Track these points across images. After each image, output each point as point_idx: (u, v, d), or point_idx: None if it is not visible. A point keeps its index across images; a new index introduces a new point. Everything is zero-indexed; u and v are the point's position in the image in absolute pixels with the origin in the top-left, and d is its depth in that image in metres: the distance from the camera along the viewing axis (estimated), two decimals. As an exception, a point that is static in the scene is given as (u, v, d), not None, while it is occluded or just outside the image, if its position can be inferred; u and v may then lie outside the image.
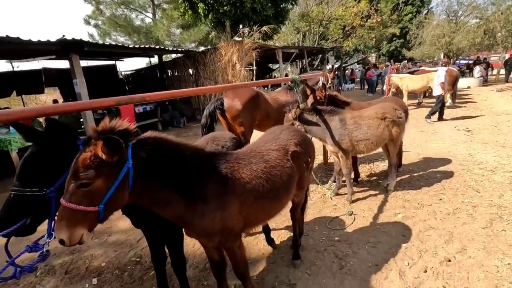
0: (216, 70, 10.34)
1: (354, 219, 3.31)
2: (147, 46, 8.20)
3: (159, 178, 1.51)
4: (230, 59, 9.76)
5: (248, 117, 3.97)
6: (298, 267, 2.57)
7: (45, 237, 1.43)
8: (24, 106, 9.62)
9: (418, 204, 3.54)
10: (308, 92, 4.00)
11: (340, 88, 18.61)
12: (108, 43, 6.96)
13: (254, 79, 11.88)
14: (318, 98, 3.92)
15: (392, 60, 19.62)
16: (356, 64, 31.93)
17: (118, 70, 13.14)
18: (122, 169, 1.37)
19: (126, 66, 19.84)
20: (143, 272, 2.71)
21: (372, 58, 36.12)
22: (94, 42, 6.72)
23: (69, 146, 1.50)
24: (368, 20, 21.10)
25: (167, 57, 12.39)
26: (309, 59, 21.61)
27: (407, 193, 3.88)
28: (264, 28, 10.01)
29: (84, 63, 11.87)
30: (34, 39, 5.68)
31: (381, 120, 3.62)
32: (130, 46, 7.49)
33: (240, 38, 9.65)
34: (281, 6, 14.15)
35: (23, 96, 10.82)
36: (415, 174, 4.51)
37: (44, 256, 1.39)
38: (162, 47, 8.73)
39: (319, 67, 21.01)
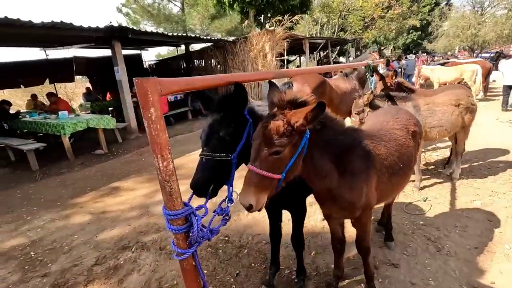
0: (245, 59, 10.30)
1: (431, 206, 3.32)
2: (185, 35, 8.19)
3: (322, 150, 1.55)
4: (262, 49, 9.70)
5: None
6: (392, 249, 2.61)
7: (226, 202, 1.48)
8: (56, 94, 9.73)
9: (492, 192, 3.52)
10: (377, 78, 3.98)
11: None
12: (150, 31, 6.98)
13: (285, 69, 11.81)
14: (388, 84, 3.90)
15: (420, 52, 19.19)
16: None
17: (143, 59, 13.20)
18: (303, 138, 1.41)
19: (148, 56, 19.90)
20: (236, 250, 2.78)
21: (387, 51, 35.54)
22: (138, 29, 6.75)
23: (242, 114, 1.55)
24: (389, 11, 20.70)
25: (192, 47, 12.37)
26: (326, 52, 21.39)
27: (473, 181, 3.87)
28: (296, 17, 9.89)
29: (108, 52, 11.98)
30: (85, 25, 5.74)
31: (455, 106, 3.59)
32: (169, 34, 7.49)
33: (272, 27, 9.57)
34: (306, -5, 13.97)
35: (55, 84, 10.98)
36: (475, 164, 4.48)
37: (226, 220, 1.43)
38: (198, 36, 8.71)
39: (335, 60, 20.79)
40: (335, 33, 21.61)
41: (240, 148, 1.49)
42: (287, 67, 22.17)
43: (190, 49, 11.91)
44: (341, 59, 23.62)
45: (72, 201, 4.12)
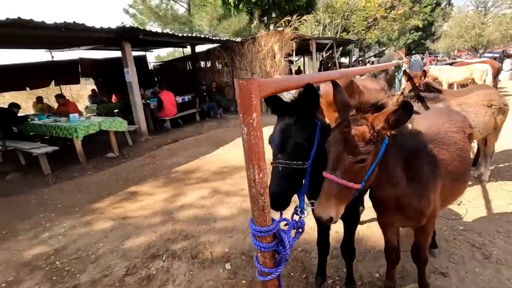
0: (253, 60, 10.20)
1: (467, 210, 3.22)
2: (194, 35, 8.07)
3: (395, 155, 1.45)
4: (270, 49, 9.61)
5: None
6: (437, 256, 2.50)
7: (298, 213, 1.37)
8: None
9: (526, 194, 3.43)
10: (405, 79, 3.88)
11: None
12: (160, 32, 6.87)
13: (293, 70, 11.72)
14: (417, 85, 3.79)
15: (427, 52, 19.19)
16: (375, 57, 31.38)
17: (148, 61, 13.10)
18: (383, 144, 1.30)
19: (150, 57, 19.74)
20: (272, 258, 2.66)
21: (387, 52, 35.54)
22: (149, 30, 6.63)
23: (313, 118, 1.45)
24: (392, 12, 20.67)
25: (198, 48, 12.26)
26: (328, 53, 21.33)
27: (504, 184, 3.77)
28: (305, 17, 9.80)
29: (113, 53, 11.86)
30: (97, 26, 5.63)
31: (487, 107, 3.49)
32: (180, 35, 7.38)
33: (281, 28, 9.47)
34: (311, -4, 13.90)
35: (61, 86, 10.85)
36: (501, 165, 4.39)
37: (299, 234, 1.32)
38: (207, 37, 8.60)
39: (339, 60, 20.72)
40: (338, 33, 21.54)
41: (313, 155, 1.39)
42: (290, 68, 22.01)
43: (196, 50, 11.79)
44: (343, 59, 23.59)
45: (90, 207, 3.99)
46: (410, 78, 3.88)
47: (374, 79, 4.39)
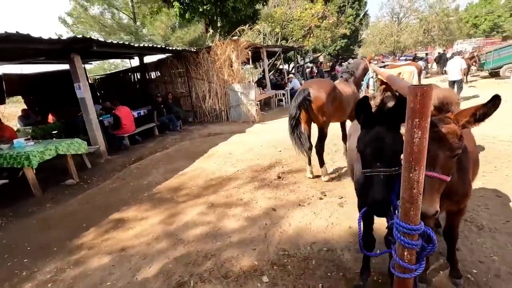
0: (210, 69, 10.09)
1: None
2: (154, 45, 7.58)
3: None
4: (227, 58, 9.63)
5: (330, 108, 4.13)
6: (441, 234, 2.81)
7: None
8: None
9: (483, 172, 4.12)
10: (379, 82, 4.33)
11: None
12: (116, 42, 6.29)
13: (252, 78, 11.88)
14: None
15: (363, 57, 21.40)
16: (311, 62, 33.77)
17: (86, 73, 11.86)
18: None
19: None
20: (304, 263, 2.69)
21: (321, 58, 38.74)
22: (104, 41, 6.01)
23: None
24: (324, 21, 22.66)
25: (148, 59, 11.62)
26: (271, 60, 22.32)
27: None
28: (257, 26, 10.10)
29: (44, 67, 10.49)
30: (45, 36, 4.93)
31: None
32: (137, 45, 6.85)
33: (236, 37, 9.60)
34: (255, 6, 14.38)
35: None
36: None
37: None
38: (166, 47, 8.18)
39: (281, 67, 21.85)
40: (278, 41, 22.65)
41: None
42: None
43: (145, 61, 11.15)
44: (282, 66, 24.89)
45: (72, 243, 3.45)
46: (383, 82, 4.36)
47: (346, 83, 4.78)
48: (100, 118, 7.88)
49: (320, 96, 4.00)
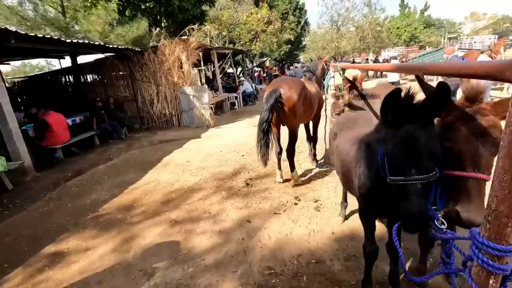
0: (158, 71, 9.28)
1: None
2: (90, 42, 6.45)
3: None
4: (177, 59, 8.97)
5: (301, 107, 3.93)
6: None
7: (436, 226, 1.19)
8: None
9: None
10: (345, 82, 4.29)
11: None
12: (42, 36, 5.18)
13: (203, 80, 11.29)
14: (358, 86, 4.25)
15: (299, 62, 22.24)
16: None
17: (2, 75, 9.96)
18: None
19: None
20: (295, 281, 2.39)
21: (267, 62, 39.70)
22: (25, 33, 4.90)
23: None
24: (270, 26, 23.14)
25: (83, 60, 10.25)
26: (220, 62, 21.97)
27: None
28: (208, 27, 9.66)
29: None
30: None
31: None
32: (69, 41, 5.75)
33: (185, 37, 8.99)
34: (202, 6, 13.87)
35: None
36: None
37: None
38: (104, 44, 7.14)
39: (229, 70, 21.65)
40: (225, 45, 22.41)
41: None
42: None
43: (79, 61, 9.81)
44: (230, 70, 24.73)
45: (-12, 294, 2.60)
46: (349, 81, 4.34)
47: (310, 81, 4.68)
48: (24, 128, 6.56)
49: (292, 96, 3.77)
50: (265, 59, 32.62)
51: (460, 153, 1.21)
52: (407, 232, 1.22)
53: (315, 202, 3.72)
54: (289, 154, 4.12)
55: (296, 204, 3.71)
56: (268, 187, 4.28)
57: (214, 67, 12.01)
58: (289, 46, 38.59)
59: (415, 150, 1.17)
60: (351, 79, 9.38)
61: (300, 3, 40.29)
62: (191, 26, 9.32)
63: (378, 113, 3.68)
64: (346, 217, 3.26)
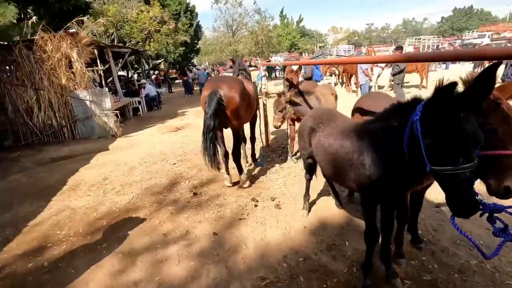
0: (36, 72, 7.33)
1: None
2: None
3: None
4: (64, 57, 7.30)
5: (244, 108, 3.78)
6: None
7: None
8: None
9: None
10: (288, 76, 4.41)
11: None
12: None
13: (103, 82, 9.55)
14: (294, 82, 4.43)
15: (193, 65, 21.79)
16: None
17: None
18: None
19: None
20: (295, 284, 2.27)
21: (161, 65, 37.37)
22: None
23: None
24: (163, 26, 21.81)
25: None
26: (108, 65, 19.27)
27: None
28: (102, 20, 8.24)
29: None
30: None
31: (332, 95, 4.76)
32: None
33: (74, 30, 7.41)
34: (83, -1, 11.81)
35: None
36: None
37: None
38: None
39: (121, 73, 19.35)
40: (113, 43, 19.87)
41: None
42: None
43: None
44: (121, 72, 22.17)
45: None
46: (288, 80, 4.49)
47: (247, 80, 4.61)
48: None
49: (234, 97, 3.57)
50: (159, 61, 30.68)
51: (504, 134, 1.35)
52: (460, 217, 1.27)
53: (273, 200, 3.68)
54: (236, 157, 3.92)
55: (256, 205, 3.57)
56: (219, 193, 3.97)
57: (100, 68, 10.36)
58: (184, 48, 37.68)
59: (466, 139, 1.21)
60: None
61: (191, 5, 39.98)
62: (80, 18, 7.76)
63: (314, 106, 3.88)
64: (309, 209, 3.34)
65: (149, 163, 5.42)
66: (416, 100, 1.53)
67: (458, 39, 36.96)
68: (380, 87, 13.28)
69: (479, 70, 15.82)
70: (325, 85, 5.48)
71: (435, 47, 26.46)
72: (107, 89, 8.39)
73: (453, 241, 2.63)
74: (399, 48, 9.68)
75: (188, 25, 35.38)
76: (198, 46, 41.33)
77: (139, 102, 11.99)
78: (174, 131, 8.23)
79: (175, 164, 5.26)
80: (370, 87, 10.08)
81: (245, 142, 5.02)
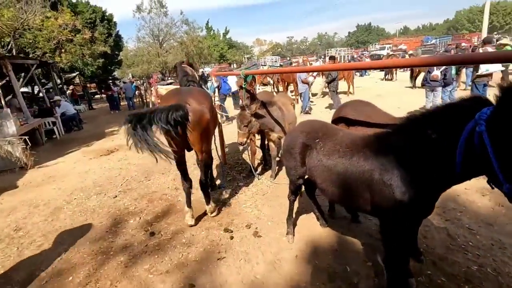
0: None
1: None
2: None
3: None
4: None
5: (212, 122, 3.24)
6: None
7: None
8: None
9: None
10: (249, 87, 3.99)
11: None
12: None
13: (2, 101, 7.55)
14: (251, 91, 4.06)
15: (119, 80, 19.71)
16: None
17: None
18: None
19: None
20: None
21: (77, 79, 32.90)
22: None
23: None
24: (77, 35, 19.16)
25: None
26: (4, 81, 15.84)
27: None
28: None
29: None
30: None
31: (291, 104, 4.58)
32: None
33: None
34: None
35: None
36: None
37: None
38: None
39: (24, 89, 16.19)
40: (12, 53, 16.57)
41: None
42: None
43: None
44: (24, 89, 18.67)
45: None
46: (248, 91, 4.09)
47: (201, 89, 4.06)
48: None
49: (203, 111, 3.00)
50: (74, 74, 27.00)
51: None
52: None
53: (249, 227, 3.22)
54: (205, 185, 3.31)
55: (231, 237, 3.05)
56: (182, 228, 3.30)
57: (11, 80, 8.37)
58: (103, 60, 34.18)
59: None
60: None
61: (108, 14, 36.61)
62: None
63: (281, 120, 3.58)
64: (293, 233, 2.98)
65: (81, 200, 4.33)
66: (463, 107, 1.32)
67: (365, 51, 42.79)
68: (314, 94, 14.03)
69: (388, 76, 18.33)
70: (281, 93, 5.35)
71: (349, 57, 29.94)
72: (8, 110, 6.66)
73: (446, 246, 2.60)
74: (332, 58, 10.33)
75: (106, 34, 32.39)
76: (119, 58, 38.12)
77: (54, 123, 10.03)
78: (106, 154, 6.99)
79: (116, 197, 4.32)
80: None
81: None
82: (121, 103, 17.95)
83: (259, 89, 15.52)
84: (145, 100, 15.78)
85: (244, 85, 3.84)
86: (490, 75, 7.30)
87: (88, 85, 27.89)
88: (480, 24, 59.59)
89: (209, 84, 10.86)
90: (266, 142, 4.76)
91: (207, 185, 3.35)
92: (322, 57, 35.21)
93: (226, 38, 57.12)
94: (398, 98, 10.28)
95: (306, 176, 2.41)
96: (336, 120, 2.82)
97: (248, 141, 3.92)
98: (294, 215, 2.99)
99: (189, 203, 3.32)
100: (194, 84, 4.03)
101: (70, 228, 3.55)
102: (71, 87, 24.83)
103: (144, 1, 21.56)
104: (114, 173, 5.39)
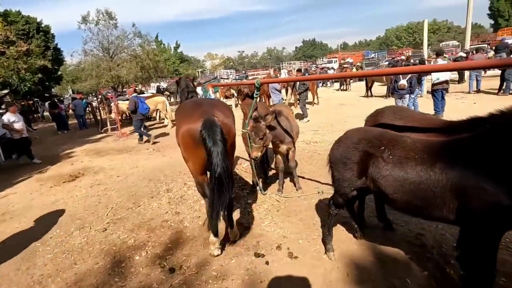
0: None
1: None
2: None
3: None
4: None
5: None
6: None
7: None
8: None
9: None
10: (241, 99, 3.74)
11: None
12: None
13: None
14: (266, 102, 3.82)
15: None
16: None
17: None
18: None
19: None
20: None
21: (7, 97, 28.78)
22: None
23: None
24: (11, 48, 16.84)
25: None
26: None
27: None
28: None
29: None
30: None
31: (292, 114, 4.47)
32: None
33: None
34: None
35: None
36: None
37: None
38: None
39: None
40: None
41: None
42: None
43: None
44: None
45: None
46: (246, 95, 3.85)
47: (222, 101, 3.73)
48: None
49: (231, 126, 2.71)
50: (5, 92, 23.58)
51: None
52: None
53: (280, 249, 2.93)
54: (231, 205, 2.96)
55: (267, 263, 2.73)
56: (205, 259, 2.87)
57: None
58: (40, 75, 30.74)
59: None
60: (158, 107, 9.04)
61: (43, 25, 33.24)
62: None
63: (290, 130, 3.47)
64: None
65: (60, 238, 3.56)
66: None
67: (313, 64, 45.68)
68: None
69: (343, 87, 19.56)
70: (280, 104, 5.21)
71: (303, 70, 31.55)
72: None
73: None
74: (299, 70, 10.63)
75: (44, 47, 29.32)
76: (59, 73, 34.72)
77: (-7, 148, 8.46)
78: (70, 181, 6.02)
79: (106, 230, 3.65)
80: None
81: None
82: (70, 122, 16.08)
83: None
84: (98, 117, 14.35)
85: (256, 94, 3.60)
86: (445, 82, 8.16)
87: (26, 102, 24.52)
88: (406, 41, 68.21)
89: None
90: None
91: (232, 206, 2.99)
92: (279, 70, 36.62)
93: (178, 52, 56.02)
94: (361, 106, 10.87)
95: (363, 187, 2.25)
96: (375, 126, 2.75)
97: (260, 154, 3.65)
98: (332, 230, 2.79)
99: (216, 231, 2.88)
100: (196, 95, 3.73)
101: (55, 276, 2.85)
102: (2, 106, 21.59)
103: (91, 12, 19.99)
104: (92, 202, 4.61)
